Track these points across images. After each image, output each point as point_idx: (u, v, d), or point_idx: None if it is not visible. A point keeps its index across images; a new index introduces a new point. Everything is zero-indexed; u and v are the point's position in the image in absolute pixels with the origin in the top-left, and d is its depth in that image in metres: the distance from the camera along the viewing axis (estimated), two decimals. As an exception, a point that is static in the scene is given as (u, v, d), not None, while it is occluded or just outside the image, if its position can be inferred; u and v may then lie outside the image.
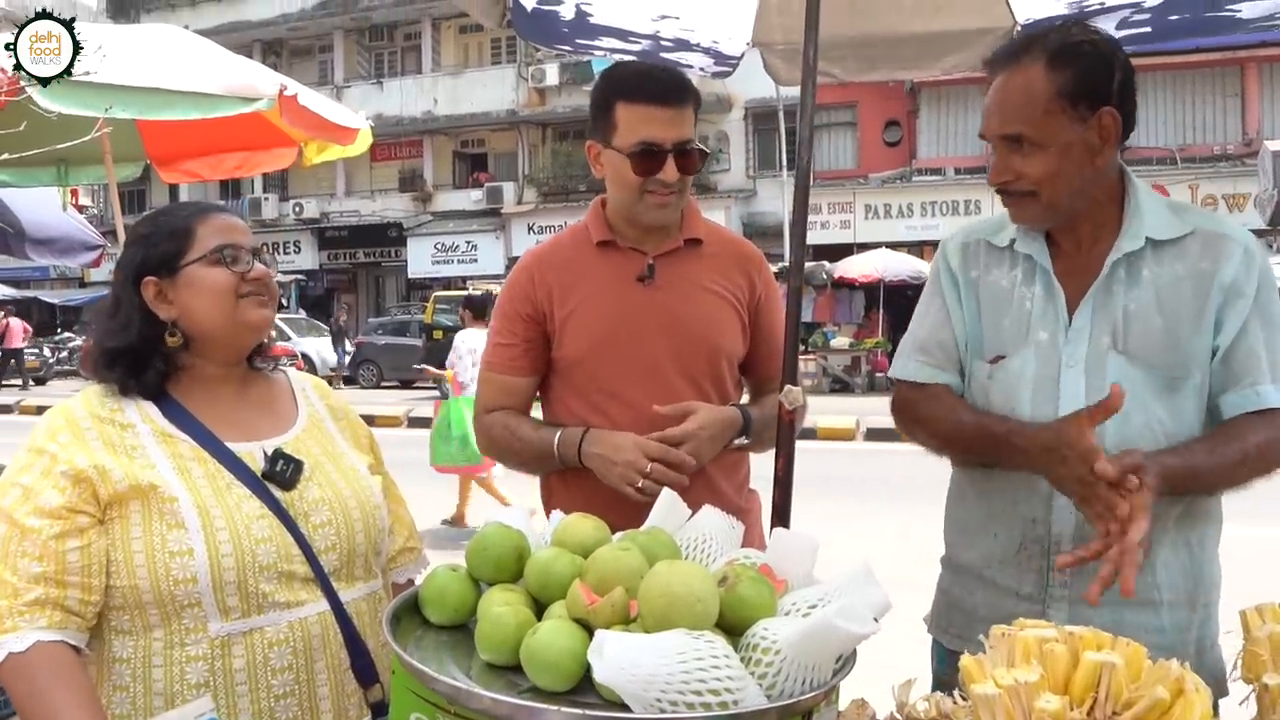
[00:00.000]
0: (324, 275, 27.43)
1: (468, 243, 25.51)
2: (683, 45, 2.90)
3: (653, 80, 1.82)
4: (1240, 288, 1.51)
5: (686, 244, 1.93)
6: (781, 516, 1.86)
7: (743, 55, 2.97)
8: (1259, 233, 16.70)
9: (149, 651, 1.36)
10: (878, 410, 13.55)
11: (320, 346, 21.34)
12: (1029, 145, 1.50)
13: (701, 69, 2.97)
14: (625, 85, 1.83)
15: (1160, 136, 20.25)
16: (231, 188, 25.74)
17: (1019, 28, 2.71)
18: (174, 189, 26.71)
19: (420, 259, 26.00)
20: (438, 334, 18.11)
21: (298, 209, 26.82)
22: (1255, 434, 1.47)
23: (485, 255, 25.17)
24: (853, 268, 18.41)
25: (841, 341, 18.24)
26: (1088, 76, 1.48)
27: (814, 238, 19.58)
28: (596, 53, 2.89)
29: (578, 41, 2.86)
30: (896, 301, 18.81)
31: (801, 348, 2.12)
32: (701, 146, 1.83)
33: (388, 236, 26.60)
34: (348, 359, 21.20)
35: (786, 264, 2.23)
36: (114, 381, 1.44)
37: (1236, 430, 1.49)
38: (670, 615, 1.03)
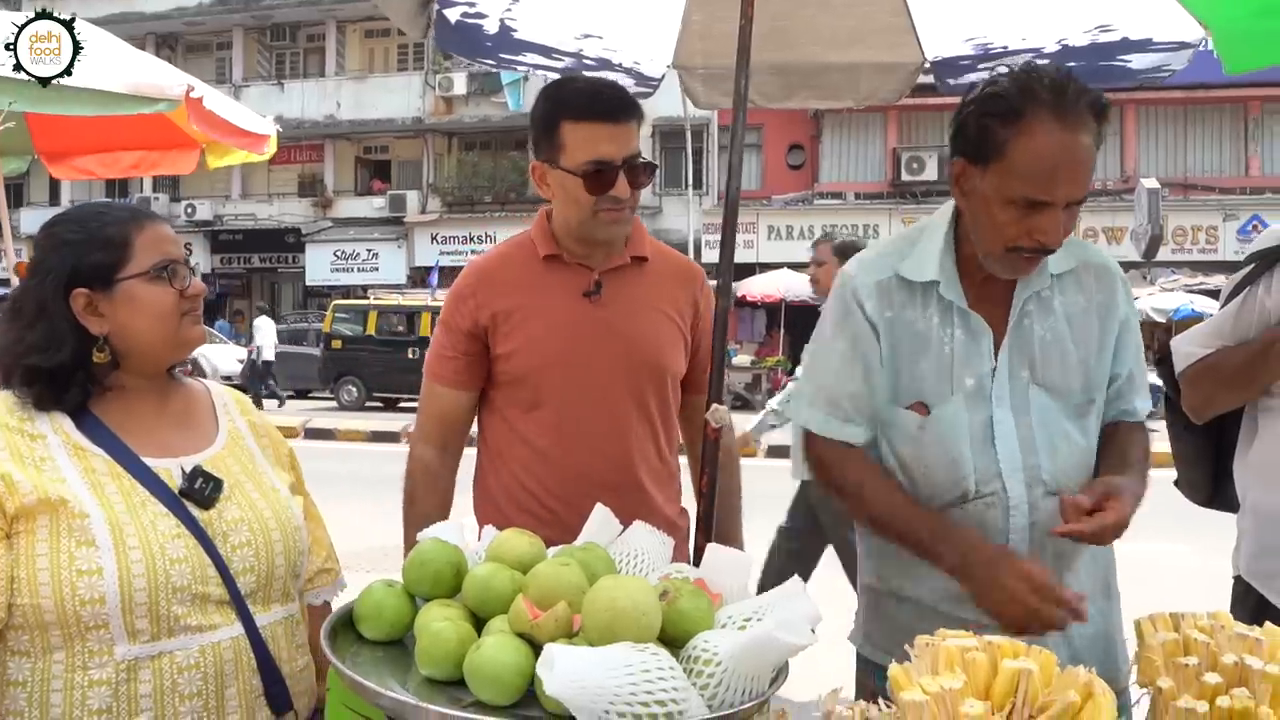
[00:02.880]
0: (216, 280, 26.44)
1: (369, 251, 24.98)
2: (605, 64, 2.94)
3: (599, 97, 1.79)
4: (1129, 320, 1.65)
5: (633, 261, 1.92)
6: (706, 530, 1.90)
7: (663, 77, 3.03)
8: (1133, 264, 17.82)
9: (48, 675, 1.28)
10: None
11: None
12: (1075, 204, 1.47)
13: (623, 89, 3.01)
14: (571, 104, 1.78)
15: (1045, 169, 21.27)
16: (119, 185, 24.61)
17: (927, 64, 2.85)
18: (54, 184, 25.46)
19: (319, 266, 25.33)
20: (336, 343, 17.66)
21: (190, 210, 25.84)
22: (1139, 444, 1.65)
23: (387, 264, 24.70)
24: (755, 287, 18.78)
25: (743, 359, 18.56)
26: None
27: (718, 256, 19.88)
28: (519, 68, 2.91)
29: (501, 56, 2.88)
30: (797, 321, 19.31)
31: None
32: (648, 159, 1.81)
33: (285, 242, 25.84)
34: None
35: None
36: (30, 399, 1.36)
37: (1134, 445, 1.63)
38: (615, 629, 1.05)
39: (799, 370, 1.72)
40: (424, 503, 1.92)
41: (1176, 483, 2.30)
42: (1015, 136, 1.43)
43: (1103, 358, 1.62)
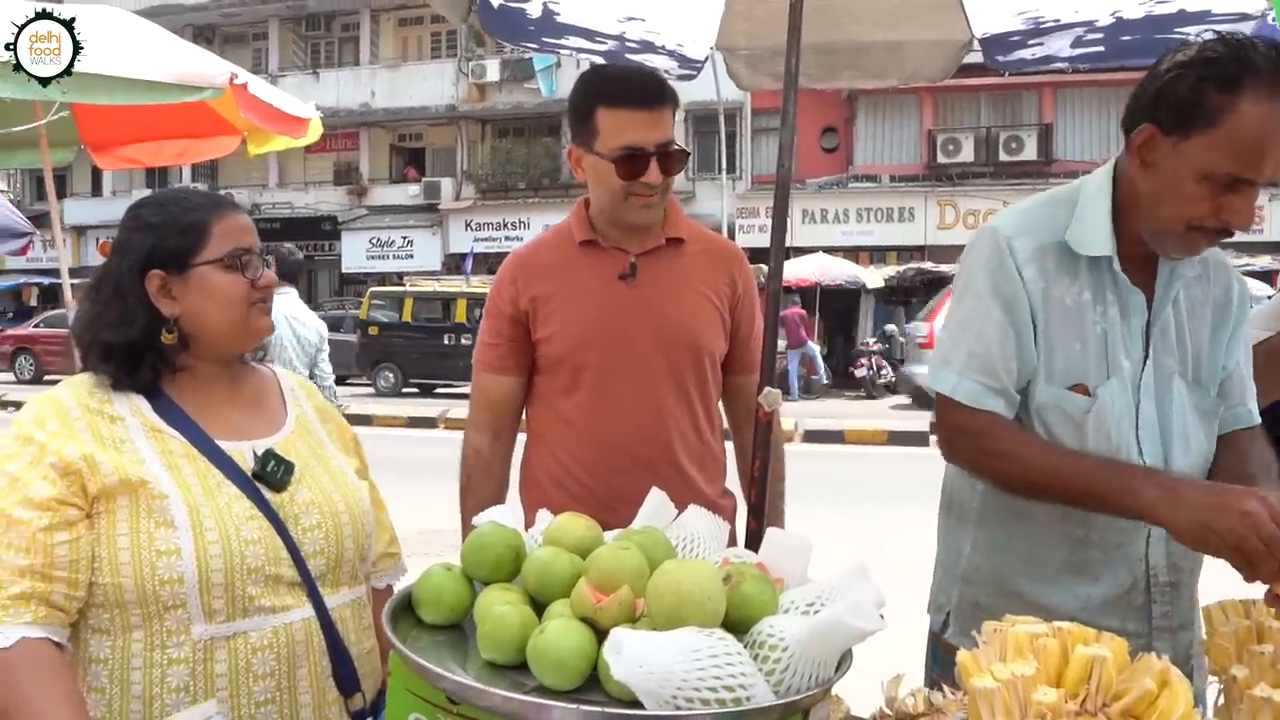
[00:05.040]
0: (254, 268, 26.76)
1: (404, 238, 25.17)
2: (648, 47, 2.92)
3: (632, 84, 1.84)
4: (1243, 316, 1.59)
5: (668, 243, 1.95)
6: (759, 515, 1.89)
7: (706, 59, 3.00)
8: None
9: (128, 653, 1.32)
10: (815, 413, 13.74)
11: None
12: None
13: (666, 71, 2.99)
14: (605, 90, 1.83)
15: (1087, 150, 20.92)
16: (159, 175, 24.92)
17: (976, 41, 2.79)
18: (96, 174, 25.84)
19: (355, 253, 25.58)
20: (373, 330, 17.81)
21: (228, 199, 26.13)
22: (1267, 455, 1.55)
23: (421, 251, 24.86)
24: (790, 271, 18.59)
25: (779, 345, 18.44)
26: None
27: (752, 240, 19.78)
28: (563, 52, 2.89)
29: (544, 40, 2.86)
30: (832, 305, 19.18)
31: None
32: (681, 146, 1.85)
33: (321, 230, 26.09)
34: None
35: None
36: (107, 375, 1.40)
37: (1268, 457, 1.54)
38: (681, 613, 1.04)
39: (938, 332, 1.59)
40: (480, 490, 1.96)
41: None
42: (1232, 106, 1.33)
43: (1212, 356, 1.57)
